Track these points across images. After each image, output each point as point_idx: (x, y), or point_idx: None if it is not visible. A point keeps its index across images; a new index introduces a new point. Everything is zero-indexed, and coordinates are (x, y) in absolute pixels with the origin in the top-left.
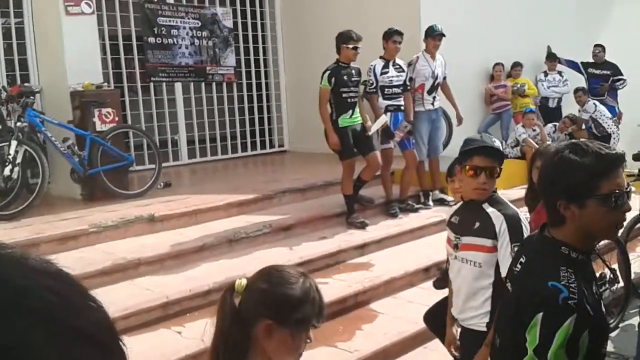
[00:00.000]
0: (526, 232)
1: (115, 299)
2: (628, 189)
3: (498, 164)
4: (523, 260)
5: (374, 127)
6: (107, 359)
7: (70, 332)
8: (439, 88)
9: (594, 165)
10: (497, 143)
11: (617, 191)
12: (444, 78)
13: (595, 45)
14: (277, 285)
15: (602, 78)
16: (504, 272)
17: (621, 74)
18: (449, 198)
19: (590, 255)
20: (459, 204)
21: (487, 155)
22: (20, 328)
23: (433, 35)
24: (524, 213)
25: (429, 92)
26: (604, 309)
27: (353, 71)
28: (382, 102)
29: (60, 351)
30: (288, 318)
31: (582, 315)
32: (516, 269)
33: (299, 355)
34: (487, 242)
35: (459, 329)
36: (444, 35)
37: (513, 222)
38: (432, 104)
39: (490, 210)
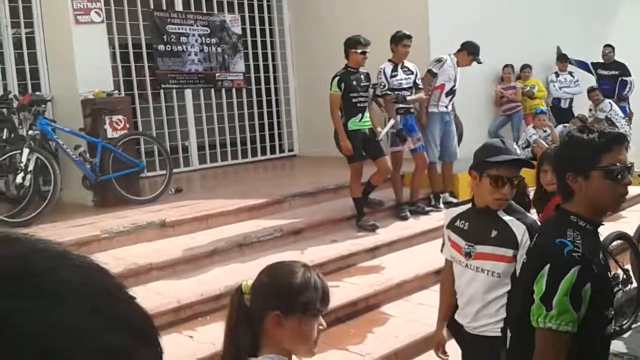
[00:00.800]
0: None
1: None
2: (630, 165)
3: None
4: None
5: (384, 131)
6: (148, 350)
7: (118, 321)
8: (454, 95)
9: (597, 140)
10: (519, 150)
11: (617, 164)
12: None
13: (605, 46)
14: (279, 276)
15: (610, 79)
16: None
17: (629, 74)
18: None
19: (598, 228)
20: (462, 208)
21: (513, 166)
22: (75, 315)
23: (465, 50)
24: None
25: (447, 95)
26: (610, 275)
27: (362, 76)
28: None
29: (109, 339)
30: (293, 304)
31: (585, 267)
32: (532, 244)
33: (315, 344)
34: (509, 252)
35: (467, 337)
36: (480, 62)
37: (535, 232)
38: (446, 106)
39: (507, 218)
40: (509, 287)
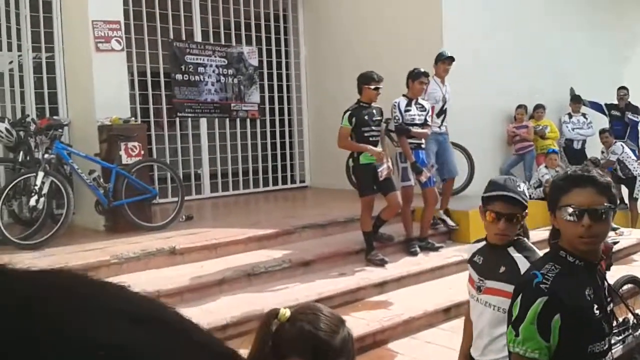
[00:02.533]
0: None
1: None
2: (590, 208)
3: (520, 209)
4: None
5: (381, 171)
6: None
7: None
8: (446, 113)
9: (559, 182)
10: (523, 187)
11: (572, 205)
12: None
13: (620, 88)
14: (320, 330)
15: (623, 120)
16: None
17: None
18: (451, 223)
19: (591, 264)
20: (482, 243)
21: (508, 201)
22: (123, 330)
23: (443, 59)
24: None
25: (438, 115)
26: (596, 312)
27: (374, 110)
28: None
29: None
30: None
31: (553, 299)
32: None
33: None
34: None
35: None
36: (453, 59)
37: None
38: (439, 127)
39: (516, 255)
40: None
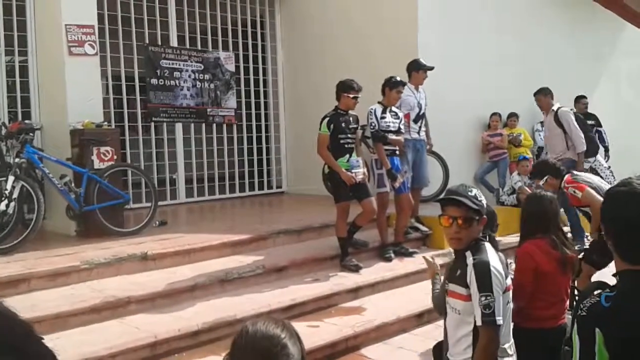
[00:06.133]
0: (497, 281)
1: (103, 337)
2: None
3: (474, 213)
4: None
5: (358, 175)
6: None
7: None
8: (424, 119)
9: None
10: (474, 192)
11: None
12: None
13: (582, 97)
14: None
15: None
16: (478, 321)
17: (601, 125)
18: (424, 228)
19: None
20: None
21: (459, 205)
22: None
23: (424, 69)
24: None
25: (415, 121)
26: None
27: (351, 118)
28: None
29: None
30: None
31: None
32: None
33: None
34: (463, 291)
35: None
36: (431, 68)
37: (480, 271)
38: (418, 132)
39: (470, 259)
40: (471, 327)
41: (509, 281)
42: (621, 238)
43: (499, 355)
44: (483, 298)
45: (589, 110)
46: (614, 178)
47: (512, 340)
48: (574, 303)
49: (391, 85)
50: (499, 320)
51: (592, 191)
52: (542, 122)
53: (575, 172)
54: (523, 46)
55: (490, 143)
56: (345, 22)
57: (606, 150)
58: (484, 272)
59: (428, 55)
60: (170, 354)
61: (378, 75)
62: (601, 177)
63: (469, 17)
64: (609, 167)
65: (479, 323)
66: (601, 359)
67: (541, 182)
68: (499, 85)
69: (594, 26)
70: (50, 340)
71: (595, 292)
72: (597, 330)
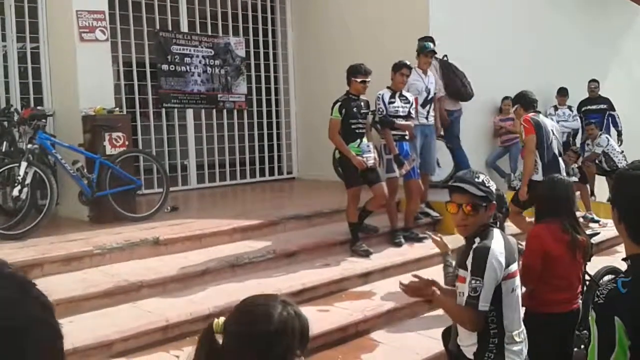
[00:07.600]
0: (493, 269)
1: (115, 321)
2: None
3: (481, 200)
4: None
5: (369, 159)
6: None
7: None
8: (433, 103)
9: None
10: (482, 178)
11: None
12: (434, 94)
13: (591, 81)
14: (252, 324)
15: (599, 112)
16: (463, 301)
17: (614, 109)
18: (434, 213)
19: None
20: None
21: (464, 192)
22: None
23: (425, 52)
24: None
25: (423, 106)
26: None
27: (362, 103)
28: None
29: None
30: (269, 355)
31: None
32: None
33: None
34: (467, 275)
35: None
36: (435, 52)
37: (478, 255)
38: (426, 118)
39: (475, 245)
40: None
41: (514, 267)
42: (632, 220)
43: (507, 342)
44: (473, 281)
45: (602, 94)
46: (627, 162)
47: (522, 327)
48: (584, 288)
49: (395, 68)
50: (483, 306)
51: (533, 144)
52: (555, 107)
53: (539, 115)
54: (537, 29)
55: (502, 128)
56: (356, 6)
57: (619, 134)
58: (480, 256)
59: (440, 38)
60: (182, 337)
61: (390, 59)
62: (614, 161)
63: (482, 4)
64: (622, 151)
65: (462, 303)
66: (622, 348)
67: (512, 110)
68: (511, 69)
69: (608, 10)
70: (64, 325)
71: (608, 278)
72: (616, 318)
